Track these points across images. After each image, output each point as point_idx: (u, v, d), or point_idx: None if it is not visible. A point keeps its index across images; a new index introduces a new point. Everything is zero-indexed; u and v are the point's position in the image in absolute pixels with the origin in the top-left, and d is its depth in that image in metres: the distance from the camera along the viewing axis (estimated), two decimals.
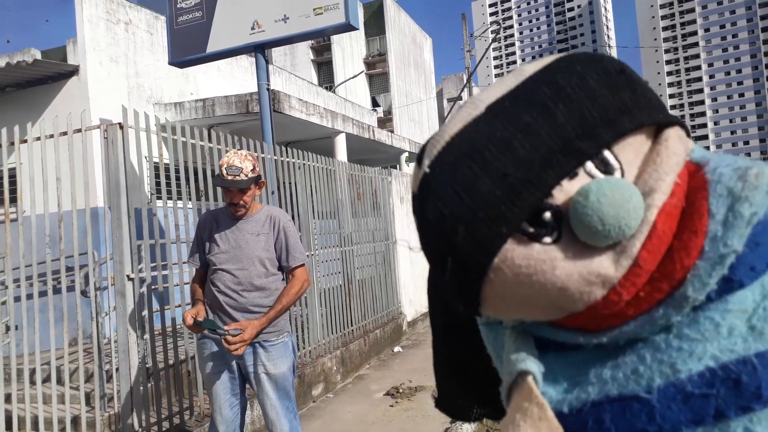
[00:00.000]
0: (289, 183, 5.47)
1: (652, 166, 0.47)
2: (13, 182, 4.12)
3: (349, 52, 20.44)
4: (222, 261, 2.82)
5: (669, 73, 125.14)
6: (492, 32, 20.89)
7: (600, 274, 0.45)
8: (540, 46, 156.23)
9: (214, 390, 2.84)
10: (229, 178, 2.70)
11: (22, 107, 7.75)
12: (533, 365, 0.49)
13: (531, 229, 0.46)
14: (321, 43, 20.15)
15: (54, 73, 7.74)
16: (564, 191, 0.46)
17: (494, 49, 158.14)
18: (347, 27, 6.37)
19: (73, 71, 7.79)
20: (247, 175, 2.72)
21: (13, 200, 4.08)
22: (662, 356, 0.46)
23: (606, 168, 0.46)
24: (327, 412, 4.82)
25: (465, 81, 21.11)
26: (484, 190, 0.45)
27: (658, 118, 0.49)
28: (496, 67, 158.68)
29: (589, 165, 0.46)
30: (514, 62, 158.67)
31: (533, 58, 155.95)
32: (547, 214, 0.45)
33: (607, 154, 0.46)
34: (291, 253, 2.87)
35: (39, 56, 8.86)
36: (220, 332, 2.66)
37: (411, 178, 0.53)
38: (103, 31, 8.10)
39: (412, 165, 0.57)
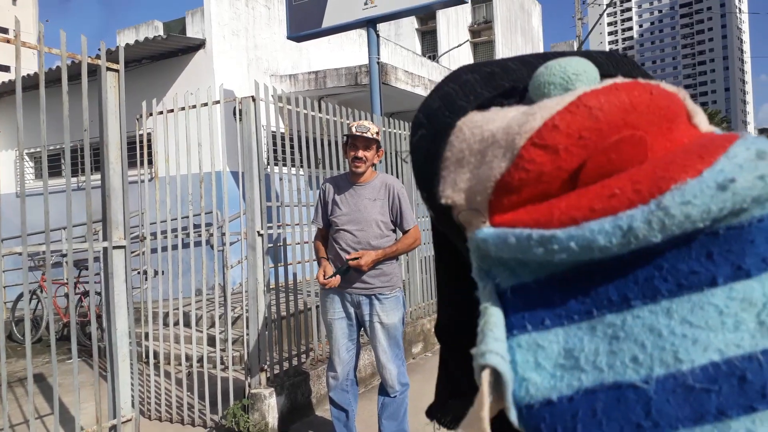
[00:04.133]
0: (394, 153, 5.76)
1: None
2: (147, 146, 4.66)
3: (454, 21, 20.23)
4: (343, 222, 3.19)
5: None
6: None
7: (521, 124, 0.42)
8: (660, 11, 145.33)
9: (334, 335, 3.24)
10: (358, 133, 3.14)
11: (156, 77, 8.53)
12: (495, 358, 0.43)
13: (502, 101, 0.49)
14: None
15: (183, 46, 8.45)
16: None
17: (608, 15, 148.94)
18: (456, 1, 6.51)
19: (200, 44, 8.45)
20: (373, 134, 3.15)
21: (149, 163, 4.65)
22: (664, 343, 0.43)
23: None
24: (426, 368, 5.16)
25: (576, 50, 20.31)
26: (468, 78, 0.52)
27: None
28: (609, 33, 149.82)
29: None
30: (630, 28, 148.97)
31: (651, 24, 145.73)
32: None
33: None
34: (405, 217, 3.24)
35: (161, 28, 9.70)
36: (344, 266, 3.11)
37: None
38: (227, 7, 8.68)
39: None
